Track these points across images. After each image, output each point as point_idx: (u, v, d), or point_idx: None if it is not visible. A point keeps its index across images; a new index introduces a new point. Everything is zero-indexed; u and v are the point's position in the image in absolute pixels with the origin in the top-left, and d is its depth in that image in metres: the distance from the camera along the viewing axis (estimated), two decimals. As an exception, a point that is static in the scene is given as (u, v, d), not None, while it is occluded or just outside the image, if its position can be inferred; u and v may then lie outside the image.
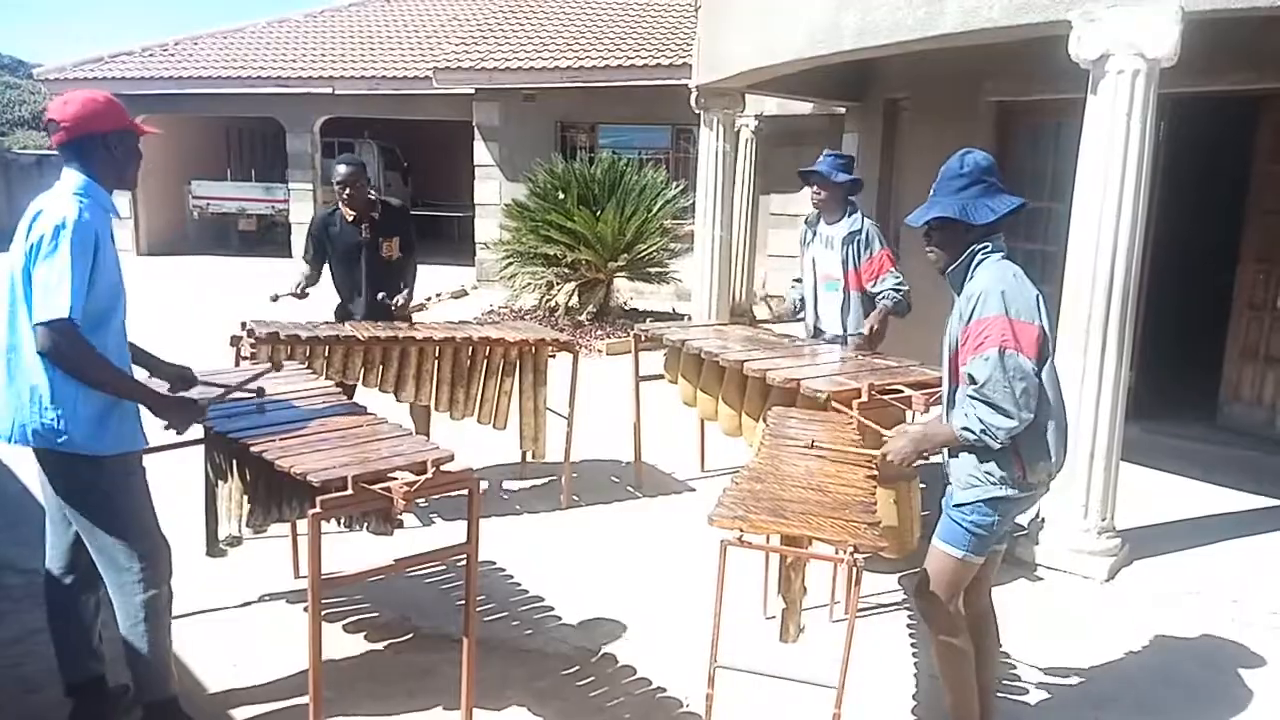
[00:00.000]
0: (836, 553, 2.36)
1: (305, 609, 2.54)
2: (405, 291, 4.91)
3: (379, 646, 3.42)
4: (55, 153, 2.64)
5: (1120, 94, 3.91)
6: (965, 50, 5.16)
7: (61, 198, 2.51)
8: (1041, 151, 6.76)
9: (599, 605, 3.75)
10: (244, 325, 4.29)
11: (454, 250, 15.64)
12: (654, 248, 10.04)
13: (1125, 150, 3.94)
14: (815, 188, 4.68)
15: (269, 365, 3.64)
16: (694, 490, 5.18)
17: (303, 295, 4.83)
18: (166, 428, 2.74)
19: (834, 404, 3.64)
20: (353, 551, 3.22)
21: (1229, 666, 3.44)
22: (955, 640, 2.68)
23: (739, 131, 9.81)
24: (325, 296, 5.01)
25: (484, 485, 4.76)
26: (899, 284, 4.55)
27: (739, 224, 10.20)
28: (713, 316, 7.87)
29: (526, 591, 3.87)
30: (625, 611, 3.70)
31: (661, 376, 5.31)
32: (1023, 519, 3.29)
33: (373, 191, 4.96)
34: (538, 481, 5.21)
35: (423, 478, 2.51)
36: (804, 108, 10.15)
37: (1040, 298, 2.59)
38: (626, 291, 11.06)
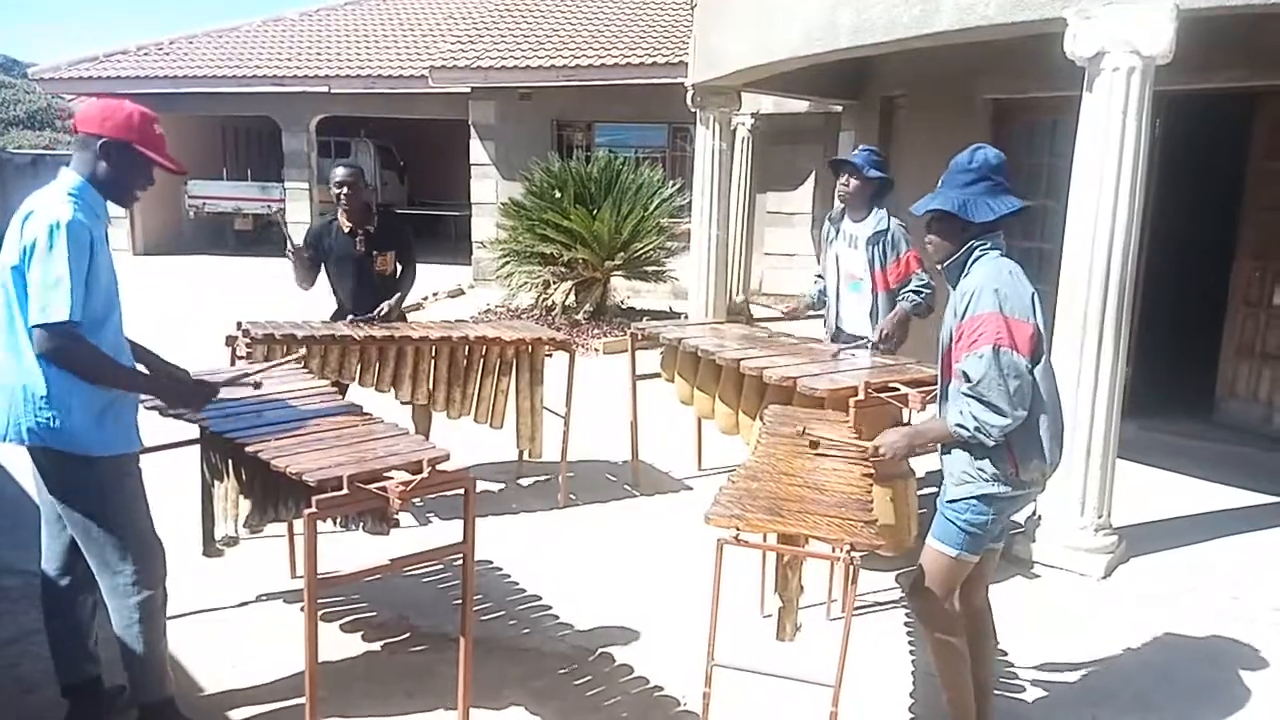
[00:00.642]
0: (833, 551, 2.36)
1: (302, 609, 2.53)
2: (393, 299, 4.72)
3: (376, 646, 3.41)
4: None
5: (1116, 91, 3.91)
6: (961, 48, 5.16)
7: (53, 198, 2.49)
8: (1037, 149, 6.78)
9: (596, 604, 3.75)
10: (239, 325, 4.29)
11: (450, 249, 15.63)
12: (650, 246, 10.03)
13: (1121, 147, 3.94)
14: (845, 177, 4.48)
15: (272, 364, 3.64)
16: (691, 489, 5.18)
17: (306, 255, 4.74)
18: (180, 415, 2.73)
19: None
20: (349, 551, 3.23)
21: (1228, 663, 3.44)
22: (951, 638, 2.67)
23: (735, 130, 9.81)
24: (325, 297, 4.99)
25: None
26: (921, 285, 4.39)
27: (735, 222, 10.21)
28: (709, 315, 7.88)
29: (524, 591, 3.87)
30: (623, 610, 3.70)
31: (658, 375, 5.31)
32: (1019, 516, 3.29)
33: (373, 199, 4.89)
34: (535, 480, 5.21)
35: (418, 477, 2.50)
36: (800, 106, 10.16)
37: (1035, 295, 2.58)
38: (623, 290, 11.04)
